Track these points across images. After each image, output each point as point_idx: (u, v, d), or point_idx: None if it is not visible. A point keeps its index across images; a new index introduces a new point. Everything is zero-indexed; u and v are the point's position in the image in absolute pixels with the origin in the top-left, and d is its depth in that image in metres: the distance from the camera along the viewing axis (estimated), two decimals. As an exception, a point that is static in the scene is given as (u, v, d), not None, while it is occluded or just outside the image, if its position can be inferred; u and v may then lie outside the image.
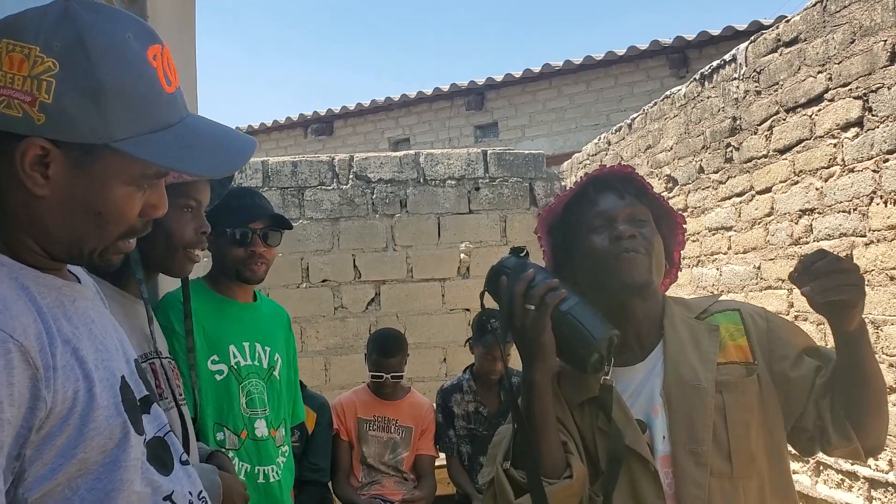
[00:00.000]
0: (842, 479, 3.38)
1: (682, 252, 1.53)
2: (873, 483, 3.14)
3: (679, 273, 1.55)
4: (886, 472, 3.09)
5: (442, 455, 3.94)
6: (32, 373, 0.84)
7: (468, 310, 6.18)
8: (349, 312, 6.16)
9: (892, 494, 3.08)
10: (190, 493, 1.06)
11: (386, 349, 3.71)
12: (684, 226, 1.51)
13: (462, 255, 6.22)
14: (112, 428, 0.90)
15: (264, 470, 2.25)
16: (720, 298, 1.51)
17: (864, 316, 1.28)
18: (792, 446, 1.44)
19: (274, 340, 2.37)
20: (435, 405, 3.91)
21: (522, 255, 1.41)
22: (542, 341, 1.29)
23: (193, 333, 2.06)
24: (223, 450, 2.11)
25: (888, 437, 3.06)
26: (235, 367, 2.21)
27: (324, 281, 6.14)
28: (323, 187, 6.16)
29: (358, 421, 3.75)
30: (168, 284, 2.20)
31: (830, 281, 1.20)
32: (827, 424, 1.35)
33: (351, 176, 6.20)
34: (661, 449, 1.34)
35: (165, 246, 1.69)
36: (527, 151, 6.52)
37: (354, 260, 6.17)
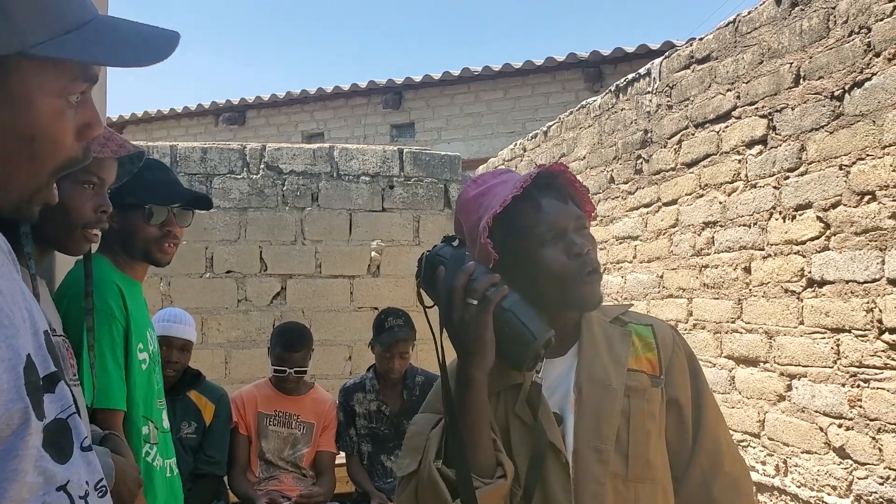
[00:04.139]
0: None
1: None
2: (760, 487, 3.27)
3: None
4: (773, 477, 3.22)
5: (342, 453, 3.89)
6: None
7: (376, 308, 6.11)
8: (253, 305, 6.01)
9: (777, 498, 3.22)
10: (87, 482, 0.93)
11: (290, 343, 3.64)
12: (593, 213, 1.48)
13: (373, 253, 6.17)
14: (10, 414, 0.80)
15: (170, 463, 2.14)
16: (630, 309, 1.52)
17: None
18: None
19: (151, 325, 2.23)
20: (337, 403, 3.85)
21: (456, 244, 1.36)
22: (483, 337, 1.26)
23: (123, 314, 1.95)
24: (148, 444, 2.01)
25: (774, 441, 3.21)
26: (153, 354, 2.09)
27: (228, 272, 5.97)
28: (232, 176, 6.00)
29: (258, 415, 3.66)
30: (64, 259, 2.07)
31: None
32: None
33: (262, 166, 6.06)
34: (571, 444, 1.35)
35: (62, 223, 1.60)
36: (443, 153, 6.53)
37: (261, 252, 6.03)
